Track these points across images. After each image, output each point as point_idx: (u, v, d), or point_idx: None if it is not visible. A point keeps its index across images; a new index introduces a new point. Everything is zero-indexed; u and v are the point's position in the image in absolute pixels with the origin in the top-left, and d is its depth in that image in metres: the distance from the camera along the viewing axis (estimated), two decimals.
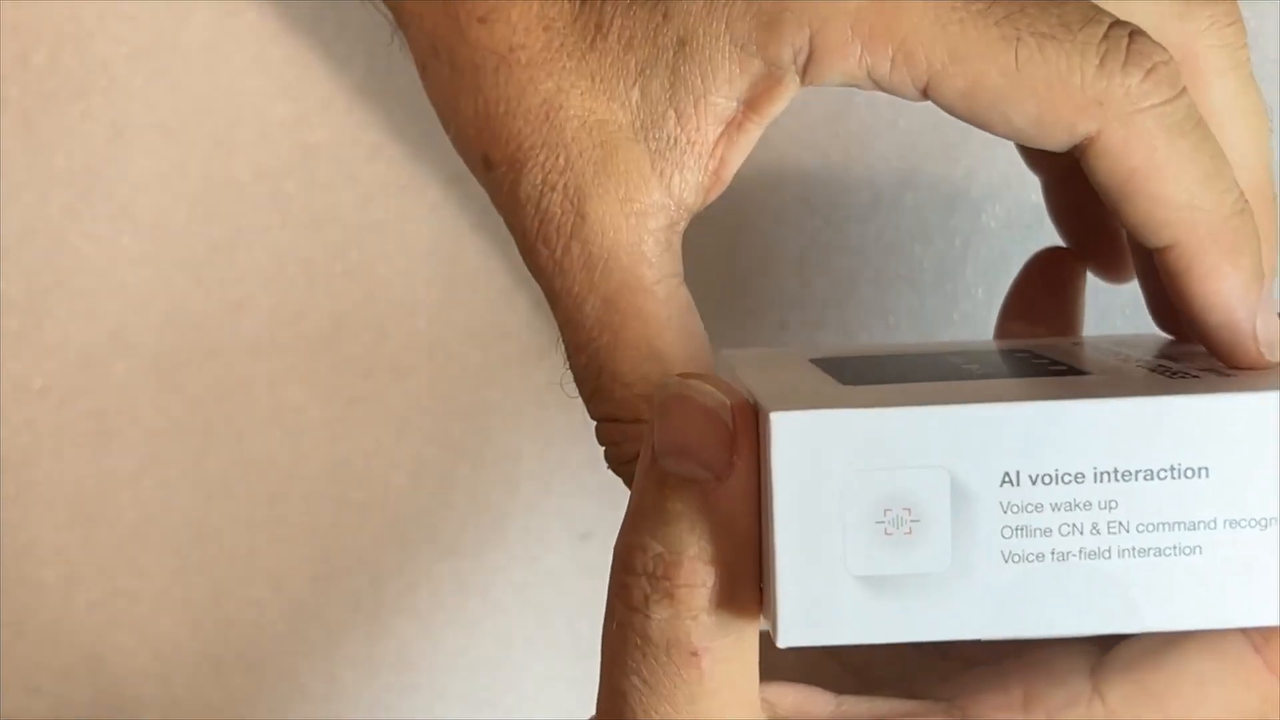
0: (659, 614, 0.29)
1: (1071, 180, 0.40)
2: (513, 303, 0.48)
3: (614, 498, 0.49)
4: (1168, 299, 0.36)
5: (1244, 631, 0.31)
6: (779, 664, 0.32)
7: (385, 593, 0.49)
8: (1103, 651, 0.32)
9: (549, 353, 0.48)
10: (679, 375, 0.30)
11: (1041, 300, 0.41)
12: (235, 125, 0.48)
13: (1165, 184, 0.31)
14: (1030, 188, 0.47)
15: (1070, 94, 0.31)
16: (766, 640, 0.32)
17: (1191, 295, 0.32)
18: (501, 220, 0.48)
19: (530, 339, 0.48)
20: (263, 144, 0.48)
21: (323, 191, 0.48)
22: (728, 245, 0.47)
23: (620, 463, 0.34)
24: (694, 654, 0.29)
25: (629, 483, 0.31)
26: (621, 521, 0.30)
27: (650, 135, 0.32)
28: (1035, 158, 0.41)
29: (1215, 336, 0.32)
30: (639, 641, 0.29)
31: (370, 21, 0.47)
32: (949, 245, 0.48)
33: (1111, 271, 0.40)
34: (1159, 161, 0.31)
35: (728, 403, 0.29)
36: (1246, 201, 0.32)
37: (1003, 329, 0.42)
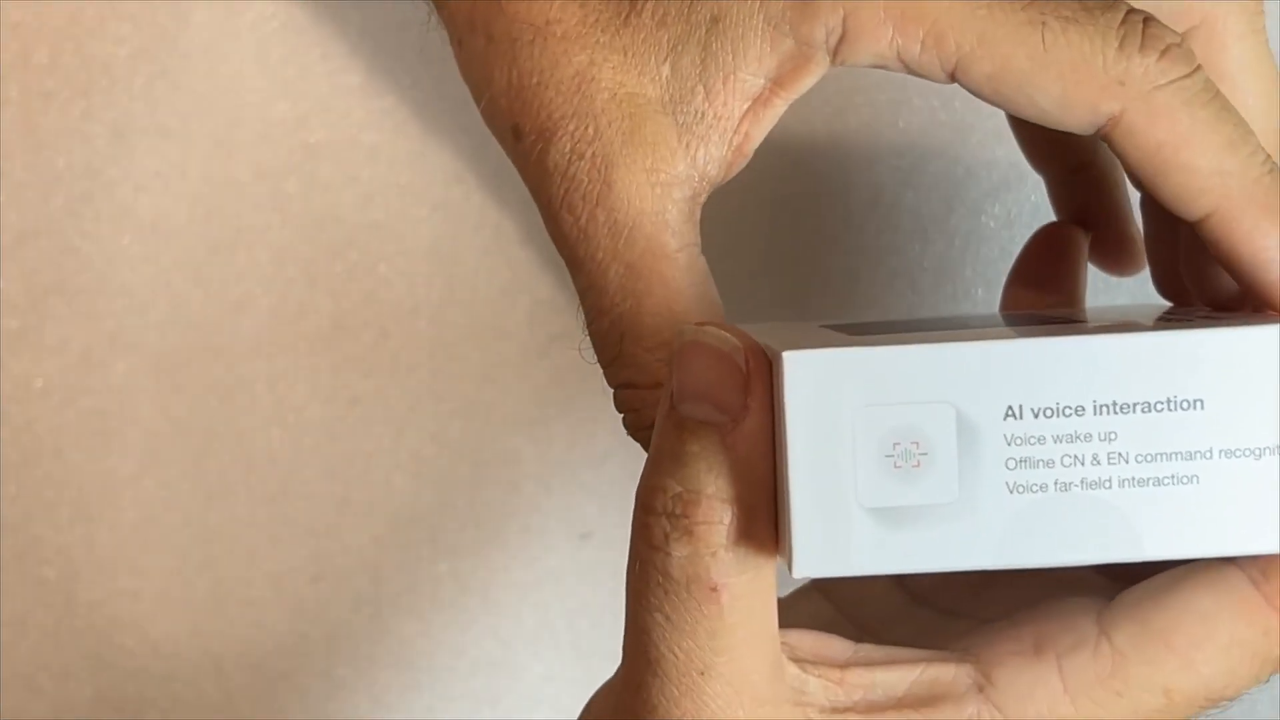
0: (679, 551, 0.30)
1: (1075, 178, 0.41)
2: (513, 303, 0.48)
3: (614, 498, 0.49)
4: (1175, 275, 0.37)
5: (1244, 569, 0.32)
6: (798, 623, 0.33)
7: (385, 593, 0.49)
8: (1110, 601, 0.33)
9: (549, 353, 0.48)
10: (695, 324, 0.31)
11: (1045, 273, 0.41)
12: (235, 125, 0.48)
13: (1193, 153, 0.32)
14: (1029, 188, 0.47)
15: (1094, 75, 0.31)
16: (785, 604, 0.33)
17: (1239, 259, 0.32)
18: (501, 221, 0.48)
19: (530, 339, 0.48)
20: (263, 144, 0.48)
21: (323, 191, 0.48)
22: (727, 245, 0.47)
23: (639, 429, 0.34)
24: (713, 589, 0.30)
25: (648, 448, 0.32)
26: (643, 469, 0.31)
27: (679, 109, 0.33)
28: (1040, 157, 0.41)
29: (1273, 294, 0.32)
30: (660, 579, 0.30)
31: (371, 21, 0.47)
32: (949, 245, 0.48)
33: (1116, 265, 0.41)
34: (1183, 133, 0.32)
35: (741, 346, 0.30)
36: (1275, 163, 0.32)
37: (1007, 301, 0.42)
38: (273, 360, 0.48)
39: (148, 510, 0.49)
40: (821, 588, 0.37)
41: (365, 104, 0.47)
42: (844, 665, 0.32)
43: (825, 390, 0.29)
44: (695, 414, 0.30)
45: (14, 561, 0.49)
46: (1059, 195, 0.41)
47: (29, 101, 0.48)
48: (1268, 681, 0.32)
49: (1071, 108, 0.32)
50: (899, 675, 0.32)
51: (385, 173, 0.48)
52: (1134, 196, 0.41)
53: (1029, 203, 0.47)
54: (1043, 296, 0.41)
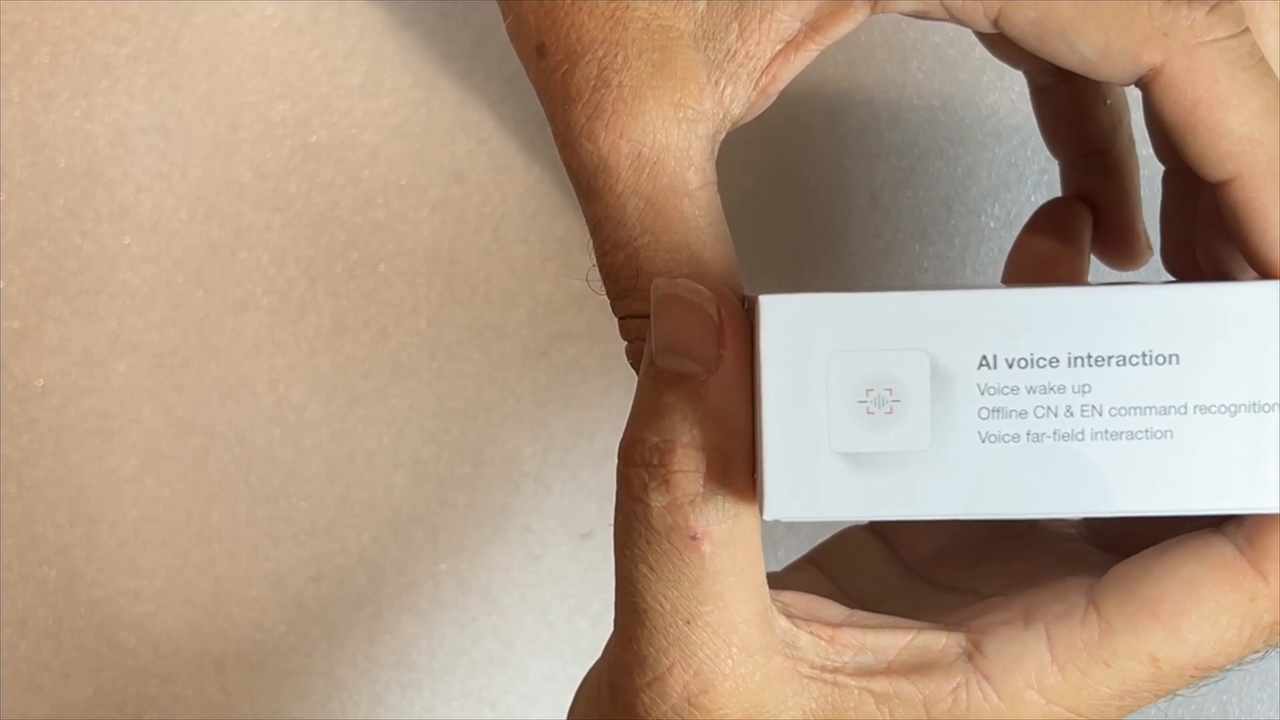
0: (658, 500, 0.30)
1: (1090, 162, 0.40)
2: (513, 303, 0.48)
3: (614, 498, 0.49)
4: (1187, 253, 0.37)
5: (1229, 537, 0.32)
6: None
7: (385, 593, 0.49)
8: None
9: (549, 352, 0.48)
10: (668, 278, 0.31)
11: (1048, 249, 0.41)
12: (235, 125, 0.48)
13: (1227, 116, 0.31)
14: (1029, 188, 0.47)
15: (1138, 24, 0.31)
16: (780, 577, 0.33)
17: (1250, 229, 0.32)
18: (501, 221, 0.48)
19: (530, 339, 0.48)
20: (263, 144, 0.48)
21: (323, 191, 0.48)
22: None
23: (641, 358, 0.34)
24: (694, 538, 0.30)
25: None
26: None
27: (710, 45, 0.33)
28: (1058, 138, 0.41)
29: (1276, 270, 0.32)
30: (643, 530, 0.31)
31: (371, 21, 0.48)
32: (949, 245, 0.48)
33: (1119, 256, 0.41)
34: (1221, 94, 0.31)
35: (713, 298, 0.30)
36: None
37: (1008, 277, 0.42)
38: (273, 360, 0.48)
39: (148, 510, 0.49)
40: (816, 561, 0.37)
41: (365, 104, 0.47)
42: (836, 626, 0.32)
43: (800, 334, 0.29)
44: (672, 366, 0.30)
45: (14, 561, 0.49)
46: (1071, 178, 0.41)
47: (30, 101, 0.48)
48: (1263, 655, 0.32)
49: (1113, 56, 0.31)
50: (890, 640, 0.32)
51: (385, 173, 0.48)
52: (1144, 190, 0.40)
53: (1028, 203, 0.47)
54: (1044, 276, 0.41)
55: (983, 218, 0.48)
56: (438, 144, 0.48)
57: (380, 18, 0.47)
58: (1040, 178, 0.47)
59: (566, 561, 0.49)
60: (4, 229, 0.48)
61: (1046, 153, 0.47)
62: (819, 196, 0.47)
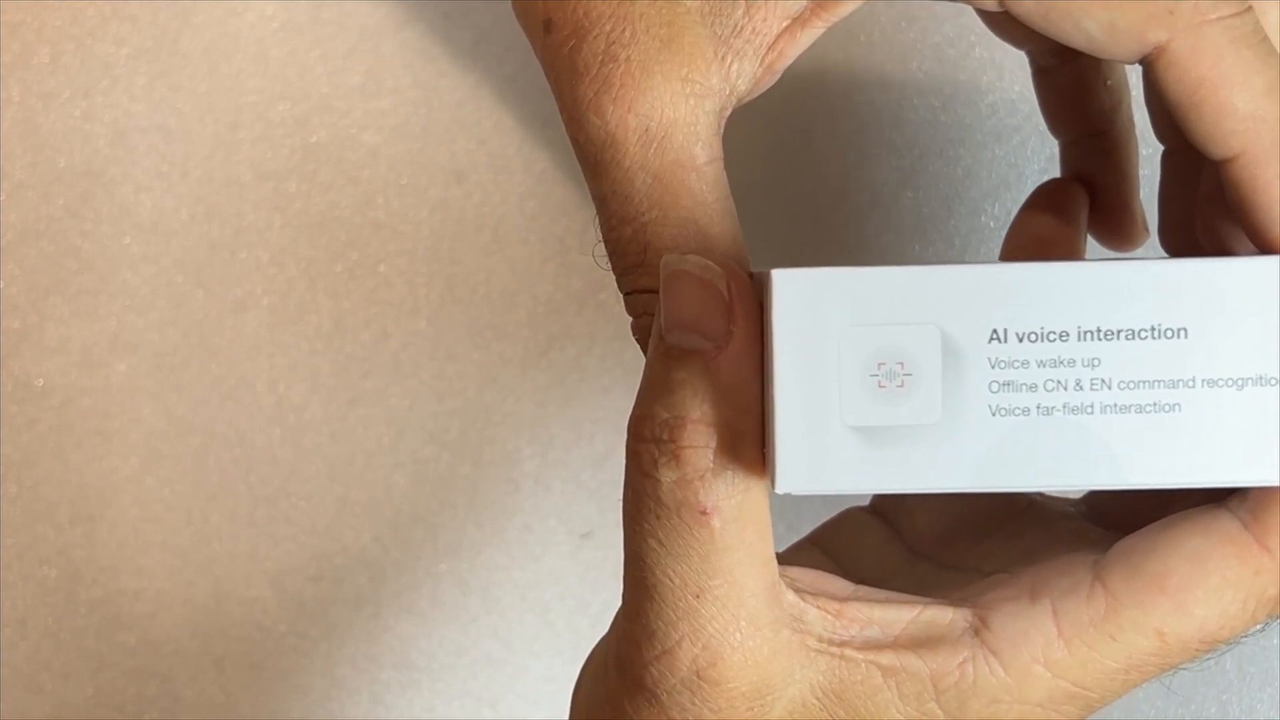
0: (668, 476, 0.30)
1: (1091, 143, 0.41)
2: (513, 303, 0.48)
3: (614, 498, 0.49)
4: (1184, 233, 0.37)
5: (1234, 511, 0.32)
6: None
7: (385, 593, 0.49)
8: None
9: (549, 352, 0.48)
10: (677, 254, 0.31)
11: (1045, 228, 0.41)
12: (235, 125, 0.48)
13: (1231, 94, 0.32)
14: (1028, 188, 0.47)
15: (1143, 2, 0.31)
16: (782, 557, 0.33)
17: (1254, 206, 0.32)
18: (501, 220, 0.48)
19: (530, 339, 0.48)
20: (263, 144, 0.48)
21: (323, 191, 0.48)
22: None
23: (647, 333, 0.34)
24: (703, 513, 0.30)
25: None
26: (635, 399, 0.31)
27: (718, 21, 0.33)
28: (1060, 118, 0.41)
29: (1278, 248, 0.32)
30: (652, 505, 0.31)
31: (370, 21, 0.48)
32: (949, 245, 0.48)
33: (1115, 237, 0.41)
34: (1225, 71, 0.32)
35: (723, 274, 0.30)
36: None
37: (1005, 256, 0.42)
38: (273, 360, 0.48)
39: (148, 510, 0.49)
40: (818, 542, 0.37)
41: (365, 104, 0.48)
42: (843, 600, 0.32)
43: (812, 308, 0.29)
44: (681, 342, 0.30)
45: (14, 561, 0.49)
46: (1071, 157, 0.41)
47: (30, 101, 0.48)
48: (1263, 628, 0.32)
49: (1119, 34, 0.32)
50: (896, 614, 0.32)
51: (385, 173, 0.48)
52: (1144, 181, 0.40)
53: None
54: (1040, 254, 0.41)
55: (983, 218, 0.48)
56: (438, 144, 0.48)
57: (380, 18, 0.47)
58: (1040, 178, 0.47)
59: (566, 561, 0.49)
60: (4, 229, 0.48)
61: (1046, 153, 0.47)
62: (819, 196, 0.47)
